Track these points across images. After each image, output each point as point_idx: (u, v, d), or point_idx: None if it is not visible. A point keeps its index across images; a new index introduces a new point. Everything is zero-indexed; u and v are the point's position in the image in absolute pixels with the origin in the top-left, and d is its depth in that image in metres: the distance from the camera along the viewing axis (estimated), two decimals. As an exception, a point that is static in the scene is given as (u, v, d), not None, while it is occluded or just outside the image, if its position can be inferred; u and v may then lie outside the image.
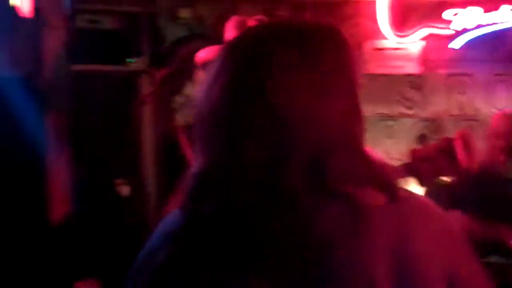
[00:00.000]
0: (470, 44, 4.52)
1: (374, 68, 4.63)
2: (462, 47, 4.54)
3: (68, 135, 3.07)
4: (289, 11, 4.96)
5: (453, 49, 4.54)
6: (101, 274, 2.61)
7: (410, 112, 4.48)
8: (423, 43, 4.59)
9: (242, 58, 0.91)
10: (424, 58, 4.59)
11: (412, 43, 4.59)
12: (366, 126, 0.93)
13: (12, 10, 3.39)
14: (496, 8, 4.47)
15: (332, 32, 0.95)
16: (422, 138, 2.71)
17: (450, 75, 4.42)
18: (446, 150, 2.51)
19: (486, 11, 4.49)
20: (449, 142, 2.64)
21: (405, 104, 4.50)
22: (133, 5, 4.51)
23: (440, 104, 4.49)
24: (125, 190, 2.66)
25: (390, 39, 4.66)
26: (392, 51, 4.65)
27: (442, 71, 4.50)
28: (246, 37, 0.96)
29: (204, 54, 2.24)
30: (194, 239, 0.88)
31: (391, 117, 4.47)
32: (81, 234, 2.65)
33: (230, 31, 2.28)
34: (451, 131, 4.31)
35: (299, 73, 0.87)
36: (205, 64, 2.20)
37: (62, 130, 3.23)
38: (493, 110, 4.25)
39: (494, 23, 4.46)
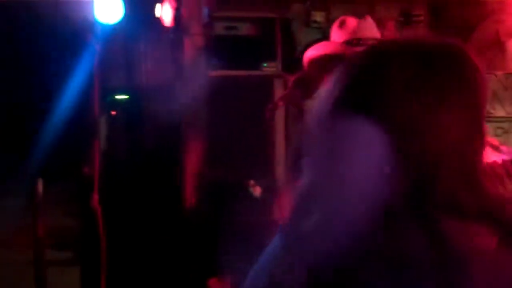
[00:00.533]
0: None
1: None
2: None
3: (205, 138, 3.23)
4: (426, 11, 4.83)
5: None
6: (230, 273, 2.71)
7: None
8: None
9: (356, 73, 0.90)
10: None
11: None
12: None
13: (158, 21, 3.65)
14: None
15: (453, 49, 0.90)
16: None
17: None
18: None
19: None
20: None
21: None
22: (268, 11, 4.63)
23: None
24: (257, 191, 2.75)
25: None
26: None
27: None
28: (363, 53, 0.95)
29: (312, 51, 2.25)
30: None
31: None
32: (213, 232, 2.77)
33: (335, 32, 2.27)
34: None
35: (413, 91, 0.84)
36: (313, 62, 2.21)
37: (199, 132, 3.41)
38: None
39: None
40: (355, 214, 0.79)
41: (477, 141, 0.84)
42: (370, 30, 2.29)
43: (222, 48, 4.25)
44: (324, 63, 2.21)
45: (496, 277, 0.73)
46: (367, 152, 0.81)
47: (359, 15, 4.59)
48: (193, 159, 3.06)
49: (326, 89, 0.92)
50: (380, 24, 4.67)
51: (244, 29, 4.48)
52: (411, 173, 0.79)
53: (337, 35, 2.27)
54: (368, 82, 0.86)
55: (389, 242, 0.76)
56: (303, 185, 0.87)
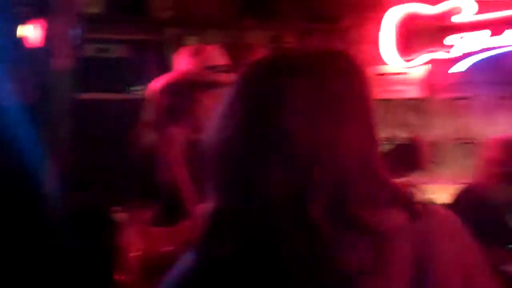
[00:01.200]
0: (473, 68, 4.53)
1: (375, 93, 4.64)
2: (464, 71, 4.56)
3: (68, 162, 3.17)
4: (295, 38, 5.04)
5: (455, 73, 4.56)
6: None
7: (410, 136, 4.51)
8: (426, 67, 4.62)
9: (254, 93, 0.90)
10: (426, 82, 4.63)
11: (415, 67, 4.63)
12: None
13: (19, 41, 3.54)
14: (500, 32, 4.49)
15: (341, 57, 0.96)
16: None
17: (452, 98, 4.45)
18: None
19: (491, 35, 4.51)
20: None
21: (406, 129, 4.52)
22: (141, 33, 4.63)
23: (441, 128, 4.51)
24: (121, 217, 2.74)
25: (391, 64, 4.70)
26: (393, 76, 4.69)
27: (443, 95, 4.52)
28: (254, 71, 0.95)
29: (155, 83, 2.29)
30: (211, 283, 0.86)
31: (391, 141, 4.51)
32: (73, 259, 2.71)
33: (187, 60, 2.32)
34: (453, 155, 4.33)
35: (311, 102, 0.87)
36: (154, 95, 2.27)
37: (65, 157, 3.33)
38: (495, 133, 4.23)
39: (497, 47, 4.48)
40: (279, 233, 0.84)
41: (375, 142, 0.93)
42: (221, 57, 2.38)
43: (92, 70, 4.19)
44: (183, 89, 2.26)
45: (409, 243, 0.86)
46: (277, 172, 0.85)
47: (231, 41, 4.71)
48: (53, 184, 2.99)
49: (222, 112, 0.92)
50: (250, 50, 4.84)
51: (116, 51, 4.45)
52: (328, 182, 0.85)
53: (190, 62, 2.32)
54: (266, 101, 0.88)
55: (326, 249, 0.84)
56: (215, 210, 0.88)
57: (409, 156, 2.44)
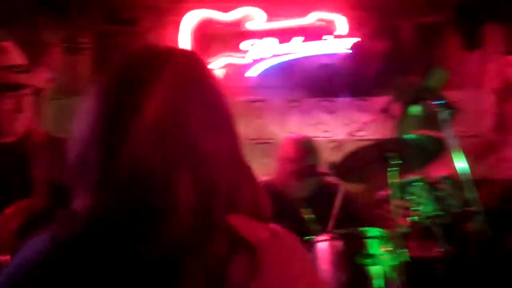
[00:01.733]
0: (266, 73, 4.83)
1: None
2: (259, 76, 4.85)
3: None
4: (91, 38, 4.91)
5: (250, 77, 4.83)
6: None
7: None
8: (222, 71, 4.82)
9: (112, 96, 0.89)
10: (225, 85, 4.82)
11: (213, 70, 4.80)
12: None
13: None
14: (290, 40, 4.86)
15: (192, 58, 0.97)
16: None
17: (247, 101, 4.70)
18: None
19: (281, 42, 4.86)
20: None
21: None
22: None
23: (239, 128, 4.73)
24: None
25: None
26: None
27: (240, 98, 4.75)
28: (113, 74, 0.93)
29: None
30: (63, 265, 0.83)
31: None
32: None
33: None
34: (249, 154, 4.58)
35: (168, 106, 0.87)
36: None
37: None
38: (287, 133, 4.58)
39: (288, 53, 4.85)
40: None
41: (242, 151, 0.96)
42: (18, 56, 2.24)
43: None
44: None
45: (274, 259, 0.86)
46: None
47: (25, 39, 4.42)
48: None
49: (83, 113, 0.90)
50: (44, 49, 4.60)
51: None
52: (201, 192, 0.85)
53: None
54: (125, 107, 0.87)
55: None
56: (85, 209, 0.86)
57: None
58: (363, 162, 2.92)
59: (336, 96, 4.87)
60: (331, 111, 4.72)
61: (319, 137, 4.60)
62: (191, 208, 0.84)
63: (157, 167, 0.84)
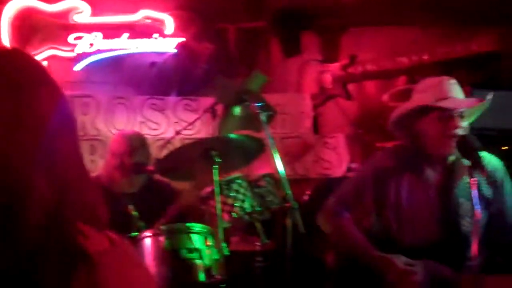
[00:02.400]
0: (92, 68, 4.71)
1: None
2: (85, 70, 4.72)
3: None
4: None
5: (77, 71, 4.69)
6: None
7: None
8: (46, 63, 4.61)
9: None
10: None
11: (35, 63, 4.56)
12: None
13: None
14: (118, 36, 4.78)
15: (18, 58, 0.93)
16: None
17: (73, 96, 4.53)
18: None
19: (107, 37, 4.77)
20: None
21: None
22: None
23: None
24: None
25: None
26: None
27: (66, 92, 4.56)
28: None
29: None
30: None
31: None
32: None
33: None
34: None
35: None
36: None
37: None
38: (113, 130, 4.52)
39: (115, 49, 4.77)
40: None
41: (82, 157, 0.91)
42: None
43: None
44: None
45: (114, 270, 0.85)
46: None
47: None
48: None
49: None
50: None
51: None
52: (54, 192, 0.83)
53: None
54: None
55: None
56: None
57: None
58: (187, 159, 2.99)
59: (165, 94, 4.89)
60: (159, 109, 4.73)
61: (147, 135, 4.57)
62: (44, 208, 0.83)
63: (12, 165, 0.82)
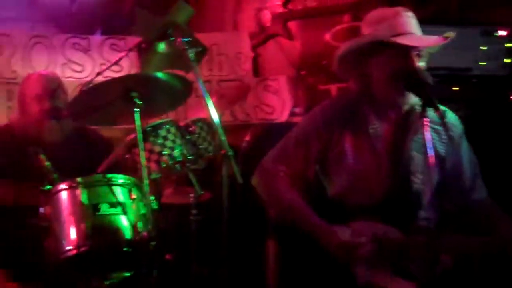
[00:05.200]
0: (6, 2, 4.25)
1: None
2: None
3: None
4: None
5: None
6: None
7: None
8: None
9: None
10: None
11: None
12: None
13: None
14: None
15: None
16: None
17: (-16, 34, 4.07)
18: None
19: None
20: None
21: None
22: None
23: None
24: None
25: None
26: None
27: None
28: None
29: None
30: None
31: None
32: None
33: None
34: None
35: None
36: None
37: None
38: (32, 72, 4.09)
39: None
40: None
41: None
42: None
43: None
44: None
45: None
46: None
47: None
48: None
49: None
50: None
51: None
52: None
53: None
54: None
55: None
56: None
57: None
58: (103, 102, 2.65)
59: (89, 33, 4.46)
60: (83, 50, 4.31)
61: (70, 77, 4.20)
62: None
63: None
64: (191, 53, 2.63)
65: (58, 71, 4.10)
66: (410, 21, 2.33)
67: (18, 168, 2.86)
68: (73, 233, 2.45)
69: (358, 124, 2.38)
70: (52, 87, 3.08)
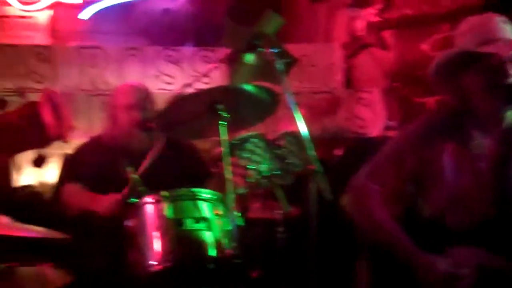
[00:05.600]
0: (101, 16, 4.38)
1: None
2: (93, 19, 4.38)
3: None
4: None
5: (84, 20, 4.35)
6: None
7: (39, 86, 4.10)
8: (50, 12, 4.28)
9: None
10: (53, 28, 4.30)
11: (39, 11, 4.25)
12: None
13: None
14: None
15: None
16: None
17: (81, 47, 4.19)
18: (32, 116, 2.11)
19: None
20: (33, 106, 2.27)
21: (34, 78, 4.10)
22: None
23: (71, 78, 4.23)
24: None
25: (14, 6, 4.23)
26: (18, 20, 4.23)
27: (72, 43, 4.24)
28: None
29: None
30: None
31: (18, 93, 4.06)
32: None
33: None
34: (84, 107, 4.13)
35: None
36: None
37: None
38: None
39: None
40: None
41: None
42: None
43: None
44: None
45: None
46: None
47: None
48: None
49: None
50: None
51: None
52: None
53: None
54: None
55: None
56: None
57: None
58: (189, 114, 2.60)
59: (180, 44, 4.50)
60: (174, 61, 4.37)
61: (161, 89, 4.26)
62: None
63: None
64: (279, 64, 2.54)
65: (150, 83, 4.17)
66: (501, 26, 2.11)
67: (106, 179, 2.88)
68: (157, 248, 2.41)
69: (458, 140, 2.18)
70: (142, 98, 3.08)
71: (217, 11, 4.50)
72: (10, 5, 4.23)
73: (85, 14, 4.35)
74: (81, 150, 3.12)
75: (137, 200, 2.56)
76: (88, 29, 4.38)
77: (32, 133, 2.00)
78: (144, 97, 3.10)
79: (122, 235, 2.58)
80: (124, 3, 4.39)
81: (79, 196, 2.91)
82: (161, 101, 3.55)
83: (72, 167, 3.03)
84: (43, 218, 2.78)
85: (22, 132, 2.30)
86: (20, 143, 2.38)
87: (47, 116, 2.25)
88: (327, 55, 4.61)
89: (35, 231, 2.62)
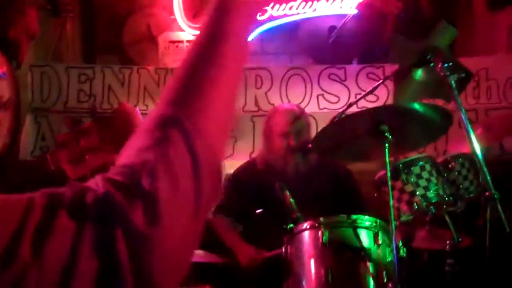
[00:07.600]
0: (264, 37, 4.38)
1: (170, 62, 4.33)
2: (257, 40, 4.40)
3: None
4: (75, 1, 4.53)
5: (249, 41, 4.38)
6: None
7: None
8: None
9: None
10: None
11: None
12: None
13: None
14: (287, 1, 4.38)
15: None
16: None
17: (247, 69, 4.23)
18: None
19: (280, 2, 4.39)
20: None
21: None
22: None
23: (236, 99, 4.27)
24: None
25: (186, 31, 4.40)
26: (188, 44, 4.38)
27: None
28: None
29: None
30: None
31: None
32: None
33: None
34: (248, 128, 4.14)
35: None
36: None
37: None
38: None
39: (289, 15, 4.37)
40: None
41: None
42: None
43: None
44: None
45: None
46: None
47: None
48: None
49: None
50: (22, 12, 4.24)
51: None
52: None
53: None
54: None
55: None
56: None
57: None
58: (350, 135, 2.43)
59: (345, 62, 4.33)
60: (339, 80, 4.20)
61: (325, 108, 4.13)
62: None
63: None
64: (452, 80, 2.28)
65: (313, 103, 4.09)
66: None
67: (261, 204, 2.83)
68: (313, 278, 2.29)
69: None
70: (296, 123, 3.00)
71: (385, 26, 4.27)
72: (182, 30, 4.40)
73: (251, 36, 4.38)
74: (238, 173, 3.12)
75: (293, 225, 2.46)
76: (253, 50, 4.40)
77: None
78: (300, 121, 3.02)
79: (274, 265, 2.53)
80: (288, 22, 4.34)
81: (226, 233, 2.94)
82: (324, 121, 3.47)
83: (228, 195, 3.02)
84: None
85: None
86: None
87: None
88: (508, 68, 4.14)
89: (197, 254, 2.65)
